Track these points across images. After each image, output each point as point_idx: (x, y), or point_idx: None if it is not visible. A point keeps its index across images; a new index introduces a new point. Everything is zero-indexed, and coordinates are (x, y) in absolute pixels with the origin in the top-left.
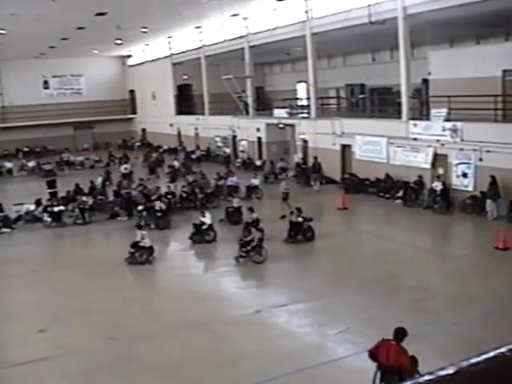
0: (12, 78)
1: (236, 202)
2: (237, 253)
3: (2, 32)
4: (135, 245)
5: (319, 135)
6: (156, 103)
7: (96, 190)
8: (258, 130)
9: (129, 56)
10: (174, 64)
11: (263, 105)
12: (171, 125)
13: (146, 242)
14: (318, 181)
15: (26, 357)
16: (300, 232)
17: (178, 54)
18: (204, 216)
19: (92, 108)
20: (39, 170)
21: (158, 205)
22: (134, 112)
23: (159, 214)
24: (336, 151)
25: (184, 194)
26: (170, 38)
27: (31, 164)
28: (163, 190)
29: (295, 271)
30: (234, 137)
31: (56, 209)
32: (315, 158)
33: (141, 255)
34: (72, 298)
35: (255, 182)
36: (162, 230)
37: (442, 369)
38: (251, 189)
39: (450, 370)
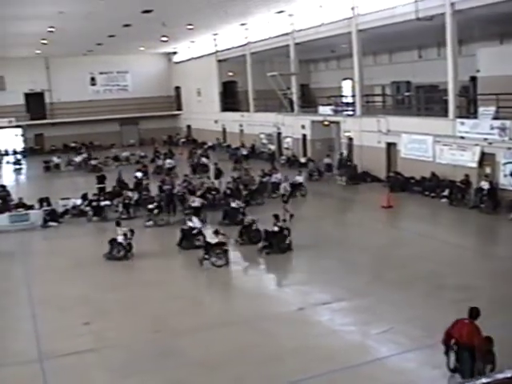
0: (60, 74)
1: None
2: (201, 256)
3: (51, 30)
4: (113, 241)
5: (364, 133)
6: (201, 100)
7: (141, 185)
8: (303, 127)
9: (174, 53)
10: (219, 61)
11: (308, 102)
12: (216, 121)
13: (124, 239)
14: (344, 176)
15: (71, 348)
16: (275, 242)
17: (223, 50)
18: (191, 220)
19: (138, 104)
20: (86, 165)
21: (192, 200)
22: (179, 108)
23: (195, 209)
24: (381, 149)
25: (228, 191)
26: (215, 34)
27: (78, 159)
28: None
29: (338, 269)
30: (279, 134)
31: (102, 203)
32: (341, 153)
33: (118, 251)
34: (116, 292)
35: (299, 179)
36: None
37: (500, 372)
38: (295, 186)
39: (509, 374)
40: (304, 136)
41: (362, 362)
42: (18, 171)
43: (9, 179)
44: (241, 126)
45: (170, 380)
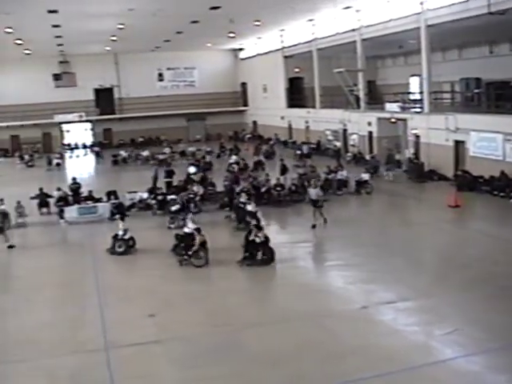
0: (129, 70)
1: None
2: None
3: (121, 27)
4: (115, 237)
5: (432, 130)
6: (267, 96)
7: (206, 180)
8: (369, 124)
9: (241, 49)
10: (285, 57)
11: (375, 99)
12: (282, 118)
13: (126, 234)
14: (390, 171)
15: (136, 339)
16: (257, 252)
17: (289, 47)
18: (185, 225)
19: (204, 100)
20: (153, 160)
21: (243, 197)
22: (245, 104)
23: (241, 205)
24: (449, 147)
25: (293, 187)
26: (282, 31)
27: (145, 153)
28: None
29: (402, 268)
30: (345, 130)
31: (169, 197)
32: (389, 149)
33: (119, 246)
34: (181, 285)
35: (365, 176)
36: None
37: None
38: (361, 183)
39: None
40: (370, 133)
41: (425, 363)
42: (98, 162)
43: (79, 172)
44: (307, 122)
45: (231, 373)
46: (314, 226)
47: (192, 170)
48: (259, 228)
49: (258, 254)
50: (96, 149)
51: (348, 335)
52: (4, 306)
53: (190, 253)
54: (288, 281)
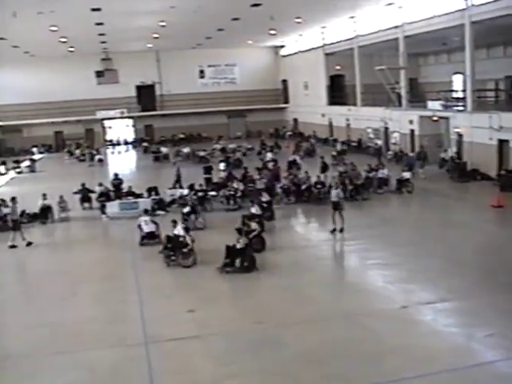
0: (170, 67)
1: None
2: (164, 259)
3: (163, 24)
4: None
5: (475, 129)
6: (308, 93)
7: (247, 177)
8: (411, 122)
9: (282, 46)
10: (326, 54)
11: (417, 96)
12: (323, 115)
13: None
14: (422, 168)
15: (175, 334)
16: (237, 259)
17: (330, 44)
18: (175, 227)
19: (245, 97)
20: (193, 157)
21: (264, 197)
22: (286, 101)
23: (265, 205)
24: (492, 146)
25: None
26: (323, 28)
27: (186, 150)
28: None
29: (442, 268)
30: (386, 128)
31: (210, 194)
32: (421, 146)
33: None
34: (221, 282)
35: (406, 175)
36: (268, 221)
37: None
38: (402, 182)
39: None
40: (412, 131)
41: (466, 366)
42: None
43: (121, 168)
44: (347, 120)
45: (270, 371)
46: (333, 231)
47: (222, 166)
48: (240, 233)
49: (237, 261)
50: (145, 144)
51: (388, 335)
52: (51, 299)
53: (179, 253)
54: (327, 279)
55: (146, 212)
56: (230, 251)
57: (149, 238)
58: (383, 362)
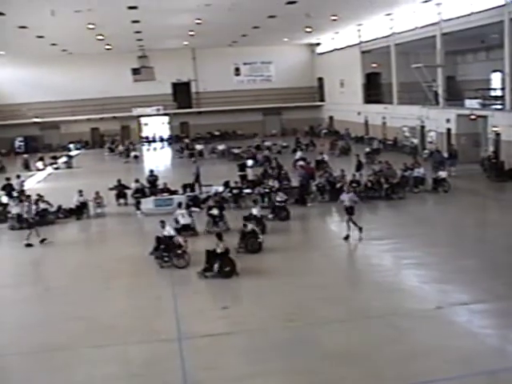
0: (206, 65)
1: (256, 211)
2: (156, 261)
3: (198, 22)
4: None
5: None
6: (344, 91)
7: (281, 174)
8: (448, 120)
9: (318, 44)
10: (362, 52)
11: (454, 95)
12: (359, 113)
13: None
14: (453, 167)
15: (208, 330)
16: (216, 264)
17: (367, 41)
18: (164, 227)
19: (281, 95)
20: (228, 154)
21: (280, 196)
22: (322, 99)
23: (280, 204)
24: None
25: (369, 184)
26: (359, 25)
27: (221, 147)
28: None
29: (478, 269)
30: (422, 127)
31: (245, 191)
32: (451, 144)
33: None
34: (255, 279)
35: (443, 174)
36: (283, 221)
37: None
38: (438, 181)
39: None
40: (448, 130)
41: (502, 368)
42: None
43: (156, 164)
44: (383, 118)
45: (302, 369)
46: (347, 237)
47: (249, 163)
48: (220, 238)
49: (215, 265)
50: (186, 141)
51: (422, 335)
52: (87, 293)
53: (172, 254)
54: (362, 278)
55: (179, 206)
56: (210, 256)
57: (184, 230)
58: (417, 362)
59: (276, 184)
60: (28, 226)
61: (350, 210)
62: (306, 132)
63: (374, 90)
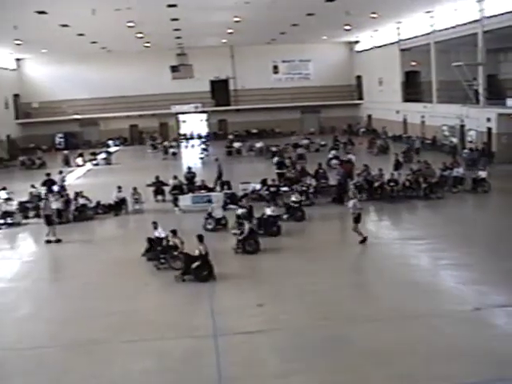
0: (244, 63)
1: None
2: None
3: (237, 20)
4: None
5: None
6: (382, 89)
7: (319, 173)
8: (489, 120)
9: (356, 42)
10: (402, 50)
11: (495, 94)
12: (398, 112)
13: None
14: (485, 166)
15: (244, 327)
16: (194, 269)
17: (406, 39)
18: (156, 228)
19: (319, 93)
20: (266, 152)
21: (295, 196)
22: (360, 98)
23: (296, 205)
24: None
25: (407, 183)
26: (398, 23)
27: (259, 145)
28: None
29: None
30: (462, 126)
31: (282, 189)
32: (485, 143)
33: (209, 223)
34: (291, 278)
35: (482, 174)
36: (299, 221)
37: None
38: (477, 181)
39: None
40: (489, 129)
41: None
42: (229, 153)
43: (194, 162)
44: (422, 117)
45: (337, 368)
46: (364, 240)
47: (275, 160)
48: (201, 240)
49: (191, 268)
50: (230, 137)
51: (458, 337)
52: (125, 289)
53: (168, 256)
54: (398, 278)
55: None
56: (188, 259)
57: (218, 223)
58: (452, 364)
59: (313, 182)
60: (48, 222)
61: (356, 218)
62: (344, 130)
63: (413, 88)
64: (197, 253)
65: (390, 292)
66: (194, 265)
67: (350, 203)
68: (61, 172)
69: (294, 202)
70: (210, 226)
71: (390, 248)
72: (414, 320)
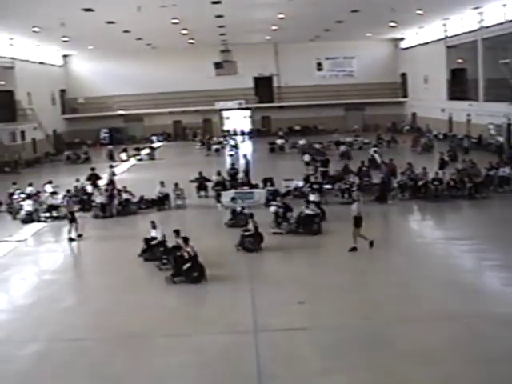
0: (288, 59)
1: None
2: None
3: (281, 16)
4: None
5: None
6: (427, 87)
7: (362, 171)
8: None
9: (401, 39)
10: (448, 47)
11: None
12: (443, 110)
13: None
14: None
15: (284, 324)
16: (184, 270)
17: (452, 36)
18: (154, 228)
19: (363, 90)
20: (309, 149)
21: (311, 209)
22: (404, 95)
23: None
24: None
25: (452, 182)
26: (445, 20)
27: (302, 142)
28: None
29: None
30: (509, 125)
31: (325, 187)
32: None
33: (251, 243)
34: (330, 275)
35: None
36: (313, 235)
37: None
38: None
39: None
40: None
41: None
42: (272, 150)
43: (236, 157)
44: (468, 115)
45: (378, 367)
46: (372, 244)
47: (306, 158)
48: (186, 241)
49: (182, 269)
50: (280, 133)
51: (502, 340)
52: (163, 283)
53: (170, 257)
54: (441, 278)
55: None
56: (178, 260)
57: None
58: (494, 368)
59: (356, 180)
60: (71, 220)
61: (357, 222)
62: (388, 128)
63: (458, 86)
64: (185, 255)
65: (433, 292)
66: (185, 266)
67: (353, 206)
68: (111, 166)
69: (307, 215)
70: (250, 246)
71: (434, 248)
72: (457, 321)
